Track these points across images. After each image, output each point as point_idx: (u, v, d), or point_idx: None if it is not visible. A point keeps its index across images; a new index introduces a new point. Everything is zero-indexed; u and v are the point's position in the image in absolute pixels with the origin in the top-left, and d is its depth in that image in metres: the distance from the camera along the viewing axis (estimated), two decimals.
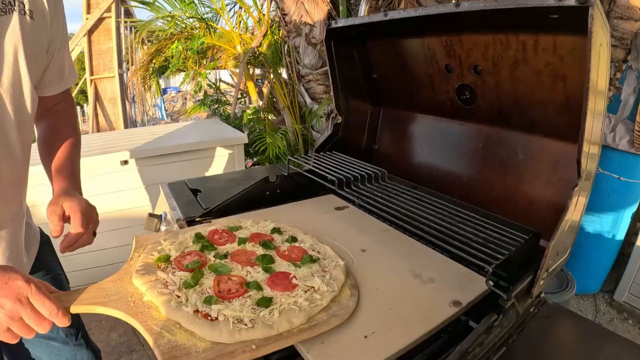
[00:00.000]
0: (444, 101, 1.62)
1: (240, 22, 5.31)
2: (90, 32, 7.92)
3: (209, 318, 0.85)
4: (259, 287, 0.97)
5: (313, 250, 1.19)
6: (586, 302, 3.38)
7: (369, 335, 0.88)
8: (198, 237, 1.18)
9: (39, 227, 1.44)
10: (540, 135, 1.35)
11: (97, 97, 8.19)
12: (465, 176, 1.58)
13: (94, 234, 1.19)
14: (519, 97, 1.35)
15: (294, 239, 1.24)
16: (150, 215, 1.71)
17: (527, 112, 1.35)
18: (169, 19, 5.14)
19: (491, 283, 1.00)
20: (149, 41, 7.95)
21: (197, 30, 5.24)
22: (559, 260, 1.11)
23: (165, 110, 15.29)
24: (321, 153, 1.85)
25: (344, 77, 1.86)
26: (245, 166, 3.95)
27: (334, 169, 1.59)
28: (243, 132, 4.01)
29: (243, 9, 5.28)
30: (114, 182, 3.26)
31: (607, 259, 3.38)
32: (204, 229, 1.26)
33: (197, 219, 1.51)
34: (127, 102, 8.84)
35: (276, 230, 1.29)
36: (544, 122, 1.32)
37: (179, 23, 5.14)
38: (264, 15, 5.09)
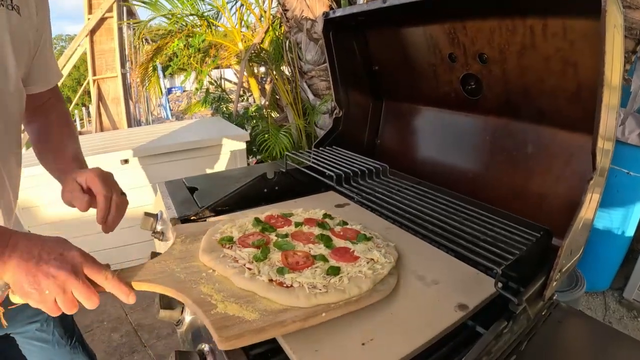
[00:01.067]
0: (448, 92, 1.55)
1: (241, 19, 5.26)
2: (92, 32, 7.90)
3: (284, 286, 0.92)
4: (325, 259, 1.04)
5: (364, 232, 1.24)
6: (595, 300, 3.31)
7: (367, 343, 0.82)
8: (257, 220, 1.24)
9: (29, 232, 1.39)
10: (550, 126, 1.27)
11: (100, 97, 8.18)
12: (472, 171, 1.51)
13: (124, 194, 1.14)
14: (527, 85, 1.28)
15: (344, 223, 1.30)
16: (146, 214, 1.65)
17: (537, 101, 1.28)
18: (170, 16, 5.10)
19: (500, 285, 0.93)
20: (152, 40, 7.94)
21: (198, 28, 5.20)
22: (572, 259, 1.04)
23: (170, 110, 15.31)
24: (320, 148, 1.79)
25: (343, 69, 1.80)
26: (248, 164, 3.91)
27: (333, 165, 1.52)
28: (246, 129, 3.96)
29: (244, 6, 5.23)
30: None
31: (617, 255, 3.29)
32: (260, 215, 1.30)
33: (192, 218, 1.46)
34: (131, 102, 8.82)
35: (327, 215, 1.34)
36: (554, 112, 1.25)
37: (179, 21, 5.09)
38: (265, 11, 5.04)
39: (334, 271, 0.98)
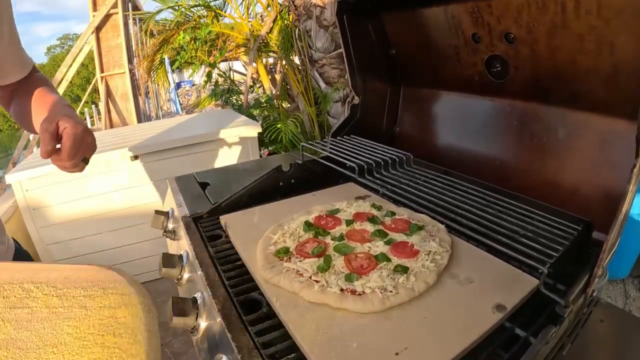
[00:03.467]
0: (472, 75, 1.47)
1: (248, 8, 5.18)
2: (98, 29, 7.86)
3: (356, 294, 0.90)
4: (387, 258, 1.03)
5: (412, 220, 1.23)
6: (615, 288, 3.24)
7: (401, 352, 0.75)
8: (307, 224, 1.22)
9: (13, 240, 1.34)
10: (583, 110, 1.19)
11: (109, 93, 8.16)
12: (499, 159, 1.43)
13: (86, 162, 1.10)
14: (558, 67, 1.19)
15: (392, 213, 1.28)
16: (157, 212, 1.60)
17: (568, 84, 1.19)
18: (176, 8, 5.05)
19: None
20: (159, 33, 7.90)
21: (204, 19, 5.14)
22: (612, 252, 0.97)
23: (180, 104, 15.32)
24: (338, 138, 1.72)
25: (359, 55, 1.73)
26: (261, 156, 3.86)
27: (353, 155, 1.46)
28: (257, 120, 3.91)
29: None
30: (125, 178, 3.21)
31: (636, 242, 3.19)
32: (308, 217, 1.27)
33: (204, 215, 1.41)
34: (140, 98, 8.80)
35: (375, 206, 1.33)
36: (587, 95, 1.16)
37: (185, 11, 5.03)
38: (272, 0, 4.96)
39: (404, 270, 0.98)
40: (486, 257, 1.06)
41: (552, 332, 0.78)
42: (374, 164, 1.39)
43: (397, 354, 0.74)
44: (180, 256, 1.26)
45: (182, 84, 18.76)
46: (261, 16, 5.46)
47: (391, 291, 0.90)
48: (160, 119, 10.89)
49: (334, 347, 0.77)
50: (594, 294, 0.97)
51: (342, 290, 0.92)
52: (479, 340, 0.80)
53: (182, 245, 1.35)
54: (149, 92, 10.27)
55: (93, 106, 14.08)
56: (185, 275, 1.23)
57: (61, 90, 8.05)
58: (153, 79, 6.20)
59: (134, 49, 8.63)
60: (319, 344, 0.77)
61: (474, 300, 0.90)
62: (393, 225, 1.21)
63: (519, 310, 0.88)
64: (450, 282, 0.97)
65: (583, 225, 1.02)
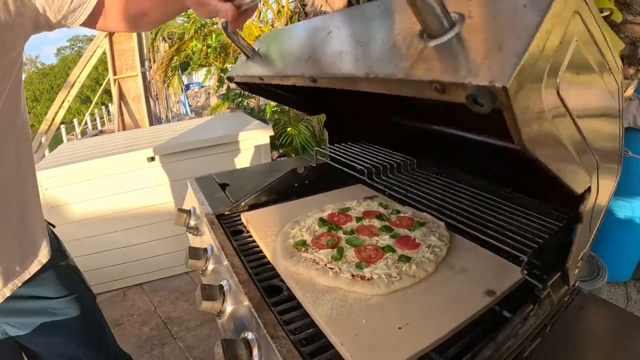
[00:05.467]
0: None
1: (259, 14, 5.29)
2: (111, 33, 7.95)
3: (365, 279, 1.03)
4: (392, 250, 1.17)
5: (415, 217, 1.36)
6: (617, 290, 3.28)
7: (403, 327, 0.88)
8: (322, 220, 1.35)
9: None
10: None
11: (122, 96, 8.23)
12: (494, 156, 1.51)
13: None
14: None
15: (397, 212, 1.43)
16: (180, 210, 1.72)
17: None
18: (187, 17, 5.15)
19: (525, 272, 0.98)
20: (169, 38, 8.00)
21: (216, 26, 5.24)
22: (586, 247, 1.07)
23: (190, 106, 15.43)
24: (349, 143, 1.82)
25: None
26: (272, 158, 3.94)
27: (361, 159, 1.57)
28: (267, 124, 3.98)
29: (262, 2, 5.26)
30: (141, 178, 3.32)
31: (638, 245, 3.26)
32: (322, 214, 1.42)
33: (226, 213, 1.53)
34: (151, 100, 8.88)
35: (382, 205, 1.47)
36: None
37: (197, 22, 5.13)
38: (283, 6, 5.07)
39: (406, 259, 1.10)
40: (480, 250, 1.19)
41: (529, 309, 0.90)
42: (381, 168, 1.49)
43: (399, 328, 0.88)
44: (205, 249, 1.38)
45: (191, 85, 18.83)
46: (272, 23, 5.56)
47: (395, 277, 1.03)
48: (170, 120, 11.01)
49: (346, 322, 0.90)
50: (576, 284, 1.10)
51: (353, 276, 1.04)
52: (471, 319, 0.92)
53: (205, 240, 1.47)
54: (159, 93, 10.37)
55: (103, 107, 14.19)
56: (210, 266, 1.35)
57: (73, 92, 8.18)
58: (167, 85, 6.32)
59: (145, 52, 8.72)
60: (334, 320, 0.91)
61: (467, 286, 1.03)
62: (398, 222, 1.34)
63: (507, 296, 1.01)
64: (447, 271, 1.10)
65: (565, 221, 1.13)
